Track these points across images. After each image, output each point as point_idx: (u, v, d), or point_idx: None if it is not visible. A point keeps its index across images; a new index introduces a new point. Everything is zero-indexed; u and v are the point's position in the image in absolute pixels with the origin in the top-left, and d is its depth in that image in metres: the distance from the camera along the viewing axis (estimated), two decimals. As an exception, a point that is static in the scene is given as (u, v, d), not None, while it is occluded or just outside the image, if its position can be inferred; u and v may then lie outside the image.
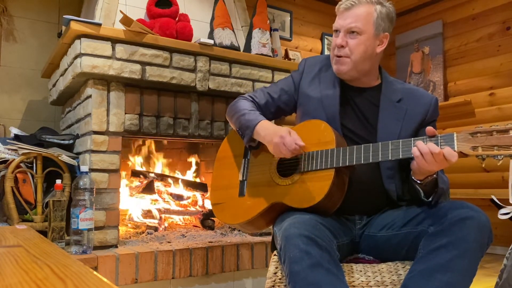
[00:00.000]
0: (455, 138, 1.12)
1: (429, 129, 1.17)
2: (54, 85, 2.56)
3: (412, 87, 1.52)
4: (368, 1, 1.40)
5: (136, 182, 2.63)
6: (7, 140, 2.13)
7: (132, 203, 2.55)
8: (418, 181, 1.26)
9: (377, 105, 1.45)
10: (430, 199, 1.28)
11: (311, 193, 1.30)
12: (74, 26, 1.94)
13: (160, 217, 2.55)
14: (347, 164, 1.27)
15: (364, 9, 1.39)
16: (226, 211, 1.53)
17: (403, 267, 1.29)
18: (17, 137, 2.19)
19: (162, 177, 2.67)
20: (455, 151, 1.12)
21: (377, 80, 1.51)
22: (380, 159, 1.23)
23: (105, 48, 2.01)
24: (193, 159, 2.98)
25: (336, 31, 1.44)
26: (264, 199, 1.41)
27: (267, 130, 1.41)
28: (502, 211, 1.75)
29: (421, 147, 1.15)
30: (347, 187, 1.34)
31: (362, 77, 1.47)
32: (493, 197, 2.03)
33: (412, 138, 1.20)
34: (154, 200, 2.61)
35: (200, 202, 2.76)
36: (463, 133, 1.11)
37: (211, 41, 2.27)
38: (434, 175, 1.24)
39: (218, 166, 1.65)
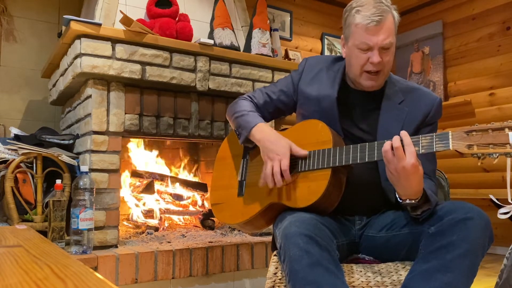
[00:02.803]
0: (450, 136, 1.10)
1: None
2: (54, 85, 2.56)
3: (415, 86, 1.48)
4: (388, 9, 1.35)
5: (136, 182, 2.63)
6: (7, 140, 2.13)
7: (133, 202, 2.56)
8: (400, 200, 1.22)
9: (378, 107, 1.42)
10: (418, 213, 1.23)
11: (308, 193, 1.29)
12: (74, 26, 1.94)
13: (160, 217, 2.55)
14: (343, 164, 1.27)
15: (389, 20, 1.35)
16: (226, 211, 1.53)
17: (403, 268, 1.29)
18: (17, 137, 2.18)
19: (162, 177, 2.67)
20: (450, 149, 1.11)
21: None
22: (376, 158, 1.22)
23: (105, 48, 2.01)
24: (193, 159, 2.98)
25: (368, 47, 1.34)
26: (262, 199, 1.41)
27: (263, 134, 1.40)
28: (502, 210, 1.74)
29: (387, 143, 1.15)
30: (344, 186, 1.33)
31: None
32: (491, 196, 2.03)
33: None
34: (155, 200, 2.61)
35: (200, 202, 2.76)
36: (458, 132, 1.10)
37: (211, 41, 2.27)
38: (413, 201, 1.19)
39: (218, 167, 1.65)
